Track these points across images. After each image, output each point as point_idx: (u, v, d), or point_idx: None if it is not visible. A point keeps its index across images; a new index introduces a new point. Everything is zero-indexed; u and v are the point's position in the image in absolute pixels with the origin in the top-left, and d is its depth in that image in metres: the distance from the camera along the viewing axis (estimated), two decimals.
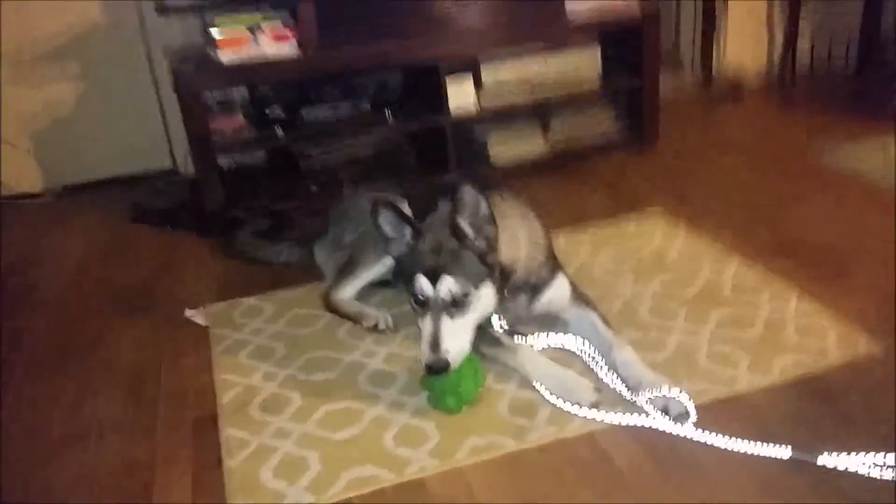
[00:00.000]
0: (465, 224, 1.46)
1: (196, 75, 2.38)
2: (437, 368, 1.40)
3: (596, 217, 2.30)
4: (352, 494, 1.31)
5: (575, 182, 2.61)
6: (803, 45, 3.81)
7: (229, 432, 1.48)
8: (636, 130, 2.90)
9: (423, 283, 1.43)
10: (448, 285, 1.42)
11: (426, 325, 1.43)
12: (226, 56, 2.38)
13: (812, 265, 1.92)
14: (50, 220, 2.78)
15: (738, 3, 3.75)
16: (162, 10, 2.41)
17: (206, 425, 1.52)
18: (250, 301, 1.98)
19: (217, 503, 1.32)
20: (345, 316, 1.83)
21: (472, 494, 1.29)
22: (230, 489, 1.34)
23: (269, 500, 1.30)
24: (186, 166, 3.02)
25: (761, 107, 3.51)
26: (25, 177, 2.98)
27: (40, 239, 2.62)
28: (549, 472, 1.33)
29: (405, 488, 1.32)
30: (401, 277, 1.69)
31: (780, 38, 3.85)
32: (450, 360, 1.41)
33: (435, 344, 1.41)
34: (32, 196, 2.96)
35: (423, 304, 1.45)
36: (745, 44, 3.81)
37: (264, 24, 2.42)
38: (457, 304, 1.44)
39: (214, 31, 2.37)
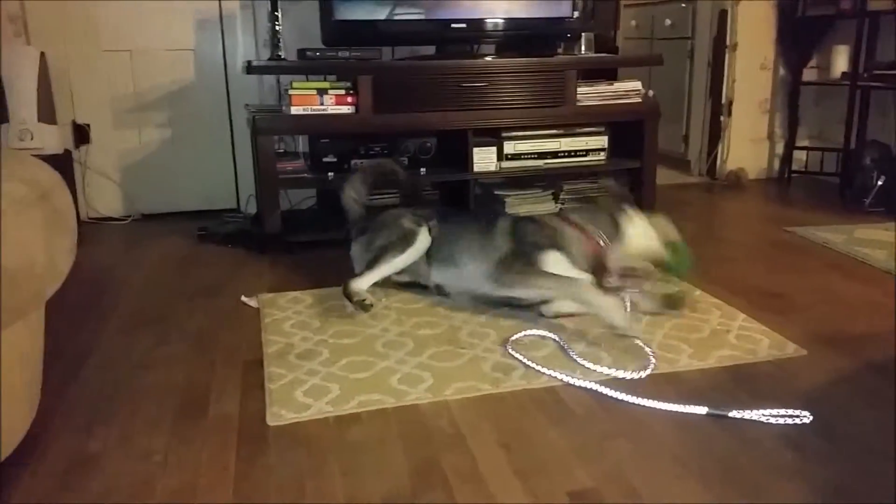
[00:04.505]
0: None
1: (270, 122, 2.92)
2: None
3: None
4: (361, 410, 1.68)
5: None
6: (799, 154, 4.28)
7: (271, 369, 1.88)
8: (637, 205, 3.34)
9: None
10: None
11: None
12: (296, 110, 2.91)
13: (761, 304, 2.29)
14: (130, 238, 3.28)
15: (742, 118, 4.27)
16: (249, 70, 2.96)
17: (254, 366, 1.91)
18: (295, 293, 2.41)
19: (259, 410, 1.70)
20: (348, 296, 2.23)
21: (452, 417, 1.65)
22: (270, 401, 1.72)
23: (300, 409, 1.68)
24: (248, 207, 3.54)
25: (754, 197, 3.99)
26: (111, 203, 3.52)
27: (123, 250, 3.11)
28: (516, 407, 1.69)
29: (403, 410, 1.68)
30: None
31: (779, 148, 4.34)
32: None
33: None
34: (114, 219, 3.49)
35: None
36: (746, 151, 4.31)
37: (331, 90, 2.97)
38: None
39: (290, 90, 2.92)
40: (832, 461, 1.47)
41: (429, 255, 2.36)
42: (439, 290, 2.35)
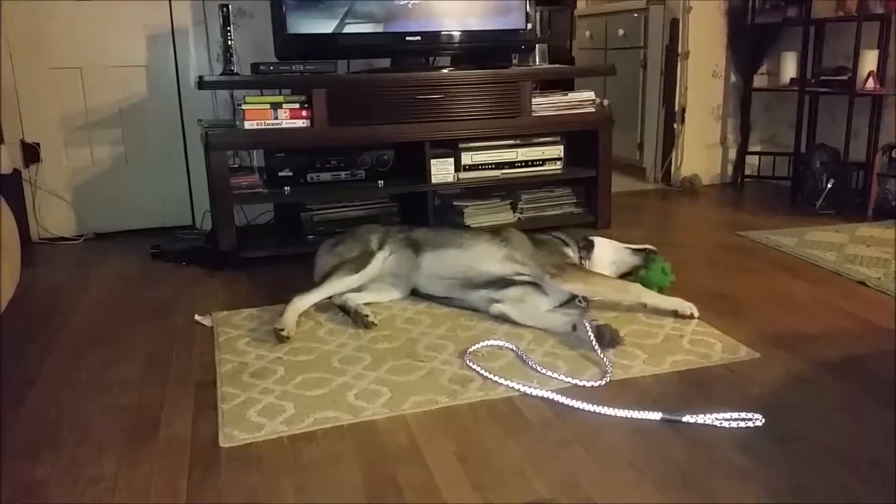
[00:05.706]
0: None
1: (224, 137, 2.89)
2: None
3: None
4: (316, 428, 1.66)
5: None
6: (751, 159, 4.37)
7: (224, 389, 1.85)
8: (593, 212, 3.38)
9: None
10: None
11: None
12: (250, 124, 2.89)
13: (714, 308, 2.32)
14: (83, 258, 3.21)
15: (695, 125, 4.34)
16: (201, 85, 2.93)
17: (207, 386, 1.88)
18: (250, 310, 2.37)
19: (212, 432, 1.67)
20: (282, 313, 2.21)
21: (410, 431, 1.64)
22: (223, 422, 1.69)
23: (253, 429, 1.65)
24: (203, 223, 3.50)
25: (708, 202, 4.05)
26: (63, 223, 3.44)
27: (75, 271, 3.03)
28: (473, 419, 1.69)
29: (359, 426, 1.67)
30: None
31: (732, 154, 4.42)
32: None
33: None
34: (66, 239, 3.42)
35: None
36: (699, 157, 4.37)
37: (285, 104, 2.94)
38: None
39: (243, 105, 2.89)
40: (785, 462, 1.49)
41: (417, 246, 2.41)
42: (365, 324, 2.23)
